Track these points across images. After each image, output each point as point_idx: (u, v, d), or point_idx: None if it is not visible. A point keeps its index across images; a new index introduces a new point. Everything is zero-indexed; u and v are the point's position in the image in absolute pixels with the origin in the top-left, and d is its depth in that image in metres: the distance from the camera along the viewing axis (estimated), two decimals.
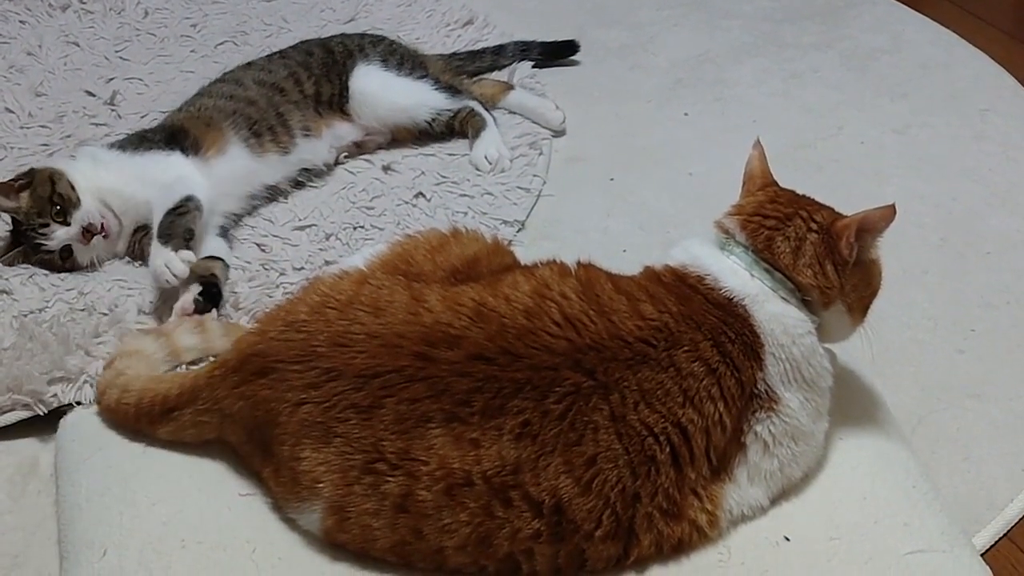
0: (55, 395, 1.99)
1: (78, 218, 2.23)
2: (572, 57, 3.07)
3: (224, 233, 2.36)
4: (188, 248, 2.14)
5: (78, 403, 1.98)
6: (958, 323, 2.24)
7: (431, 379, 1.57)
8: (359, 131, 2.61)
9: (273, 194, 2.49)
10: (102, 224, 2.26)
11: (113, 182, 2.29)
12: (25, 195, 2.24)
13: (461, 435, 1.55)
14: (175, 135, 2.38)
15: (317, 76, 2.59)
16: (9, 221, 2.31)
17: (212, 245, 2.29)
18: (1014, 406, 2.07)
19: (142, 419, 1.82)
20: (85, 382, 2.00)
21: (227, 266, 2.27)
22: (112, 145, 2.40)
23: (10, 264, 2.27)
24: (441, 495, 1.54)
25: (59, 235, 2.23)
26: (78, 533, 1.71)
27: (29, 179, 2.26)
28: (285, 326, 1.69)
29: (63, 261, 2.26)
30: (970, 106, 2.91)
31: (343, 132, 2.59)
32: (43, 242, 2.23)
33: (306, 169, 2.53)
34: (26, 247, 2.27)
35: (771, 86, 3.00)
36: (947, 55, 3.13)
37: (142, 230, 2.29)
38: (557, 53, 3.05)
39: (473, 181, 2.56)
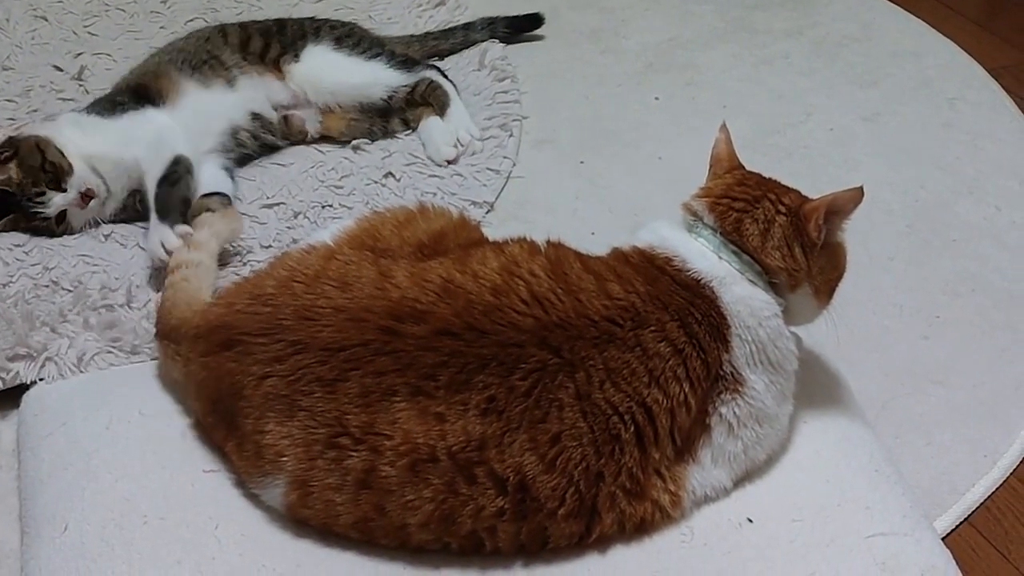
0: (17, 372, 1.97)
1: (74, 183, 2.23)
2: (544, 39, 3.06)
3: (227, 169, 2.40)
4: (185, 220, 2.18)
5: (40, 380, 1.97)
6: (923, 309, 2.26)
7: (397, 353, 1.56)
8: (289, 94, 2.56)
9: (244, 140, 2.48)
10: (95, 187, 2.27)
11: (100, 147, 2.29)
12: (12, 166, 2.22)
13: (426, 409, 1.54)
14: (138, 92, 2.40)
15: (251, 31, 2.60)
16: None
17: (211, 180, 2.34)
18: (977, 392, 2.08)
19: (170, 335, 1.85)
20: (48, 359, 1.98)
21: (228, 197, 2.33)
22: (87, 110, 2.39)
23: (3, 230, 2.27)
24: (405, 471, 1.54)
25: (57, 201, 2.22)
26: (39, 508, 1.70)
27: (12, 149, 2.24)
28: (251, 299, 1.69)
29: (58, 226, 2.26)
30: (939, 95, 2.92)
31: (276, 88, 2.55)
32: (40, 210, 2.22)
33: (256, 115, 2.50)
34: (17, 215, 2.26)
35: (741, 72, 3.00)
36: (917, 44, 3.13)
37: (136, 193, 2.31)
38: (522, 27, 3.04)
39: None
